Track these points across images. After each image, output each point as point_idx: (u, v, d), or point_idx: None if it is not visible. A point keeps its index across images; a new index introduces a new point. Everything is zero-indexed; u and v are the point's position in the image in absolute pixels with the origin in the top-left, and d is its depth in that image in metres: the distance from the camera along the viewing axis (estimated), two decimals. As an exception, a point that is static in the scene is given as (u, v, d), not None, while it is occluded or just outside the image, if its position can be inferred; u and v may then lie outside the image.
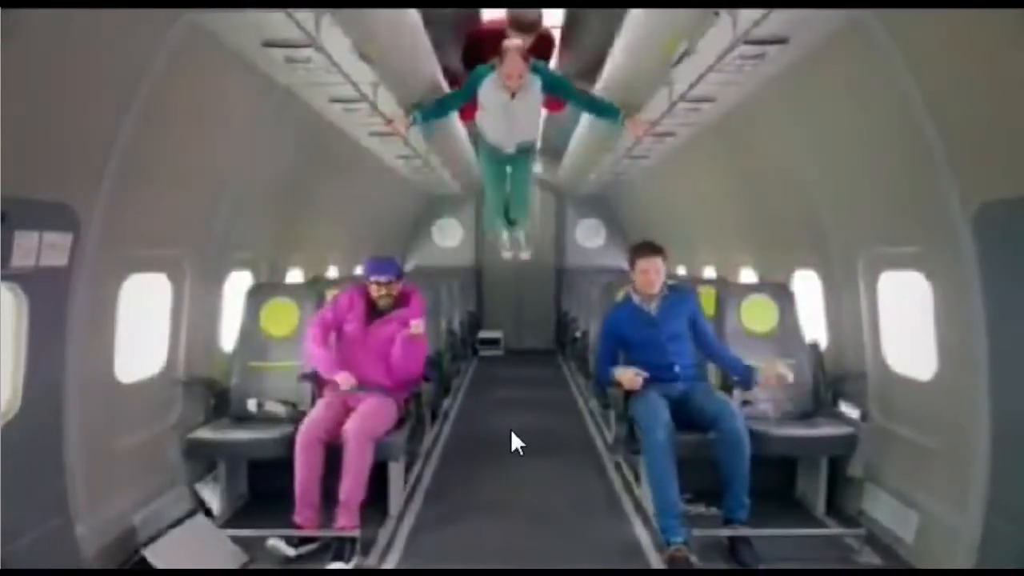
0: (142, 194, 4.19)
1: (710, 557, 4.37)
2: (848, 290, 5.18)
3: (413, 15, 4.33)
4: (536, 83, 5.12)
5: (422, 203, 13.61)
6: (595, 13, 5.61)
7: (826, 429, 5.05)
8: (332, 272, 9.35)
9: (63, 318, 3.71)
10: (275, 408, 5.18)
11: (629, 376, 4.71)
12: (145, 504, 4.41)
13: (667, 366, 4.80)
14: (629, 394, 4.81)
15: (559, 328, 13.62)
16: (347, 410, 4.77)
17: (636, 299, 5.00)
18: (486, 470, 6.19)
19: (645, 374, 4.69)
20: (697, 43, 4.18)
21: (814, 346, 5.52)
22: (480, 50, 5.48)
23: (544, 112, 5.56)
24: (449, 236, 14.38)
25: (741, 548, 4.39)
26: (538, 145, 6.04)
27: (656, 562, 4.38)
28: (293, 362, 5.40)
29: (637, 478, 5.51)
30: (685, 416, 4.68)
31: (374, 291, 4.98)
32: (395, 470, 5.13)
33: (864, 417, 4.94)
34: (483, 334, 13.64)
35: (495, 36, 5.27)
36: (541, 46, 5.49)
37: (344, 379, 4.81)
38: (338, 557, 4.33)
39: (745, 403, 5.03)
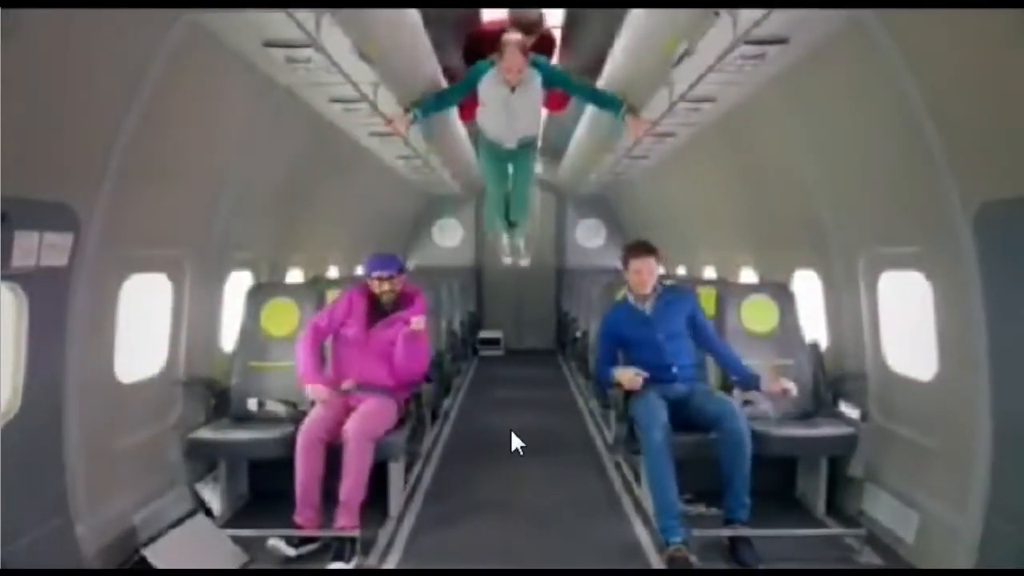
0: (142, 194, 4.19)
1: (710, 557, 4.37)
2: (848, 290, 5.17)
3: (413, 15, 4.33)
4: (536, 77, 5.11)
5: (422, 203, 13.62)
6: (595, 13, 5.61)
7: (826, 429, 5.04)
8: (332, 272, 9.35)
9: (63, 318, 3.71)
10: (276, 407, 5.18)
11: (629, 376, 4.71)
12: (145, 504, 4.41)
13: (665, 366, 4.80)
14: (629, 394, 4.81)
15: (559, 328, 13.63)
16: (348, 410, 4.77)
17: (631, 299, 5.00)
18: (486, 470, 6.19)
19: (645, 374, 4.69)
20: (697, 43, 4.18)
21: (814, 346, 5.52)
22: (481, 50, 5.48)
23: (545, 112, 5.55)
24: (449, 236, 14.38)
25: (741, 548, 4.39)
26: (539, 143, 6.02)
27: (656, 562, 4.38)
28: (293, 362, 5.39)
29: (637, 478, 5.51)
30: (685, 417, 4.68)
31: (376, 287, 4.97)
32: (395, 470, 5.13)
33: (864, 417, 4.94)
34: (483, 334, 13.65)
35: (496, 36, 5.27)
36: (542, 46, 5.49)
37: (313, 391, 4.76)
38: (338, 557, 4.33)
39: (746, 403, 5.02)
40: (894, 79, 3.76)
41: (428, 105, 5.29)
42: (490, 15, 5.99)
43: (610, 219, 14.27)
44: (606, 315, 5.23)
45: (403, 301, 5.05)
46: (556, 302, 14.05)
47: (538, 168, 13.62)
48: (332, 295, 5.59)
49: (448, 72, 5.62)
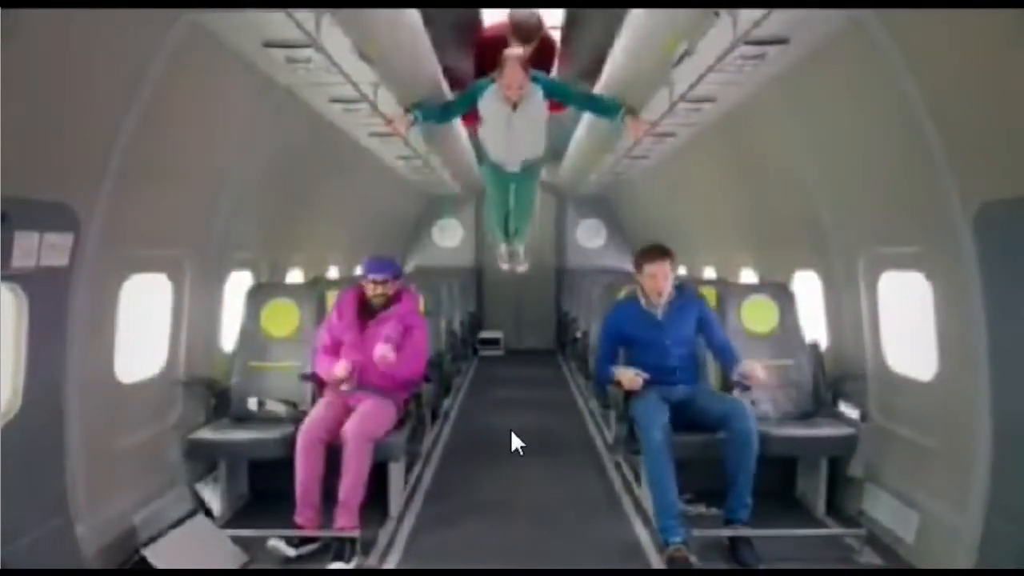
0: (142, 194, 4.19)
1: (710, 557, 4.37)
2: (848, 290, 5.17)
3: (413, 15, 4.33)
4: (537, 93, 5.08)
5: (423, 203, 13.61)
6: (595, 13, 5.61)
7: (826, 429, 5.05)
8: (332, 272, 9.35)
9: (63, 318, 3.71)
10: (276, 407, 5.18)
11: (629, 376, 4.71)
12: (145, 504, 4.42)
13: (668, 369, 4.79)
14: (629, 394, 4.81)
15: (559, 328, 13.62)
16: (347, 410, 4.77)
17: (642, 301, 4.93)
18: (486, 470, 6.19)
19: (645, 375, 4.69)
20: (697, 43, 4.18)
21: (814, 346, 5.52)
22: (488, 56, 5.44)
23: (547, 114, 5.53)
24: (449, 236, 14.38)
25: (741, 548, 4.39)
26: (544, 165, 5.97)
27: (656, 562, 4.38)
28: (293, 362, 5.40)
29: (637, 478, 5.51)
30: (691, 417, 4.67)
31: (370, 289, 4.97)
32: (395, 470, 5.13)
33: (864, 417, 4.94)
34: (483, 334, 13.65)
35: (501, 41, 5.26)
36: (542, 51, 5.48)
37: (340, 368, 4.77)
38: (338, 557, 4.33)
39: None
40: (894, 79, 3.76)
41: (429, 112, 5.26)
42: (490, 15, 6.00)
43: (610, 219, 14.27)
44: (610, 311, 5.20)
45: (394, 301, 5.05)
46: (556, 302, 14.05)
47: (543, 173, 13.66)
48: (332, 295, 5.59)
49: (448, 72, 5.61)
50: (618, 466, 6.15)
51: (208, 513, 4.84)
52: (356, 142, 7.26)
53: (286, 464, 4.59)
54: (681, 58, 4.37)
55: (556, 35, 6.19)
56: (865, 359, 5.01)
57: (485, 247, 14.11)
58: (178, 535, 4.17)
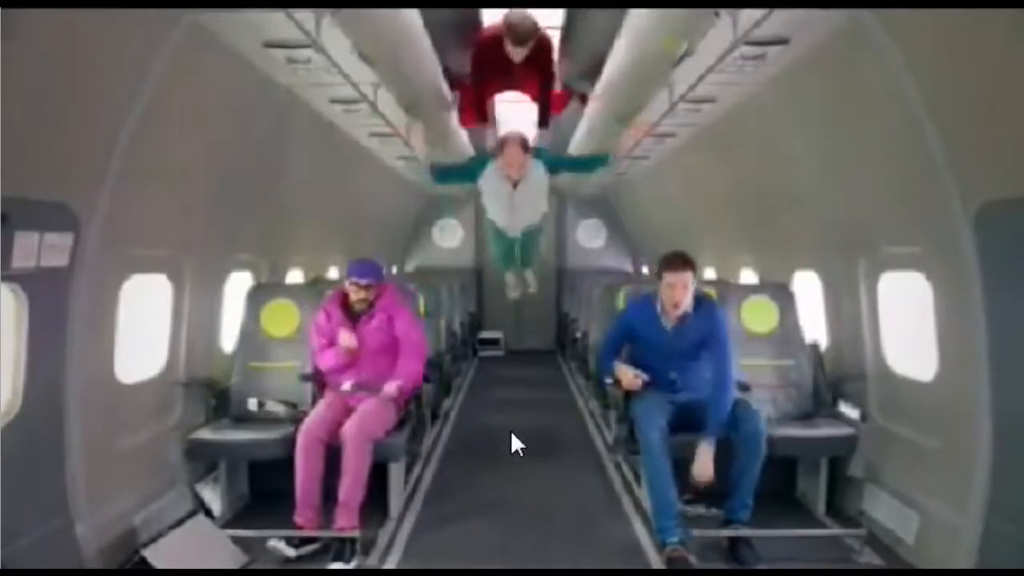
0: (142, 194, 4.19)
1: (710, 557, 4.37)
2: (848, 291, 5.17)
3: (413, 15, 4.33)
4: (539, 169, 5.20)
5: (422, 204, 13.61)
6: (595, 13, 5.60)
7: (826, 430, 5.05)
8: (332, 273, 9.35)
9: (63, 319, 3.71)
10: (275, 408, 5.18)
11: (629, 377, 4.70)
12: (146, 504, 4.41)
13: (669, 378, 4.73)
14: (629, 394, 4.80)
15: (559, 329, 13.63)
16: (348, 410, 4.77)
17: (659, 306, 4.74)
18: (486, 470, 6.19)
19: (645, 376, 4.68)
20: (697, 43, 4.19)
21: (814, 346, 5.52)
22: (485, 58, 5.44)
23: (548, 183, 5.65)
24: (449, 237, 14.38)
25: (741, 548, 4.39)
26: (546, 221, 6.09)
27: (656, 562, 4.38)
28: (293, 363, 5.40)
29: (637, 478, 5.51)
30: (701, 418, 4.56)
31: (352, 293, 4.94)
32: (395, 471, 5.13)
33: (864, 417, 4.94)
34: (483, 334, 13.65)
35: (497, 44, 5.26)
36: (539, 52, 5.46)
37: (347, 339, 4.81)
38: (338, 558, 4.33)
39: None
40: (894, 79, 3.76)
41: (439, 172, 5.57)
42: (490, 15, 5.99)
43: (610, 220, 14.27)
44: (629, 304, 5.11)
45: (375, 302, 5.01)
46: (556, 303, 14.05)
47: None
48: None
49: (448, 73, 5.62)
50: (618, 466, 6.14)
51: (208, 513, 4.84)
52: (356, 142, 7.26)
53: (286, 464, 4.59)
54: (681, 58, 4.38)
55: (556, 35, 6.19)
56: (865, 359, 5.01)
57: (485, 247, 14.10)
58: (178, 535, 4.16)
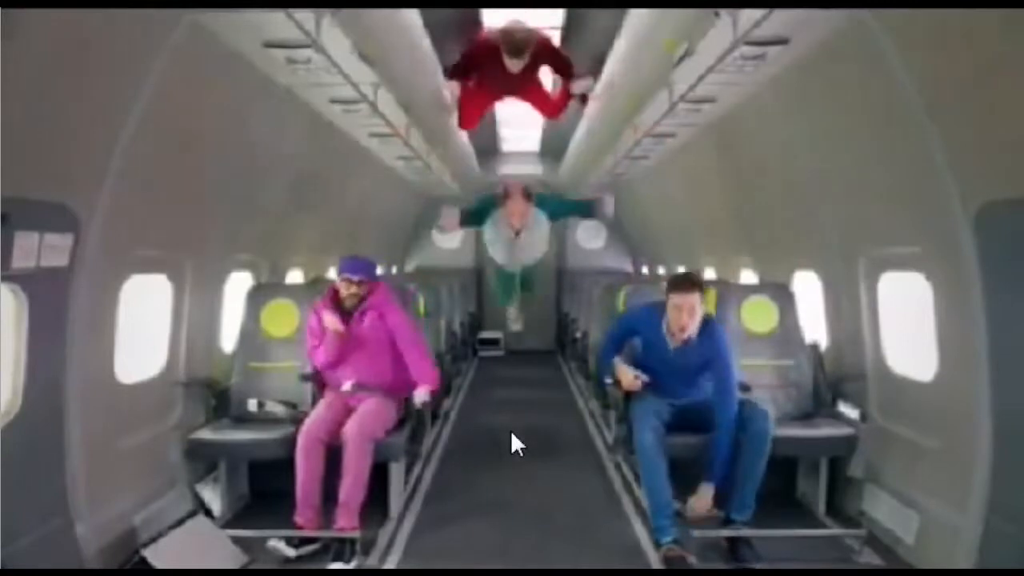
0: (142, 194, 4.19)
1: (710, 557, 4.37)
2: (848, 291, 5.17)
3: (413, 15, 4.33)
4: (541, 217, 5.33)
5: (422, 204, 13.61)
6: (595, 13, 5.62)
7: (826, 430, 5.05)
8: (332, 273, 9.34)
9: (63, 319, 3.71)
10: (275, 408, 5.18)
11: (629, 378, 4.69)
12: (146, 504, 4.41)
13: (670, 384, 4.71)
14: (629, 395, 4.80)
15: (559, 329, 13.63)
16: (348, 411, 4.77)
17: (664, 325, 4.62)
18: (486, 471, 6.19)
19: (645, 378, 4.67)
20: (697, 43, 4.19)
21: (814, 347, 5.52)
22: (475, 63, 5.43)
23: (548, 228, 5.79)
24: (449, 237, 14.35)
25: (741, 548, 4.39)
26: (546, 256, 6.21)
27: (656, 562, 4.38)
28: (293, 363, 5.39)
29: (637, 478, 5.50)
30: (707, 419, 4.55)
31: (343, 288, 4.91)
32: (396, 471, 5.13)
33: (864, 418, 4.94)
34: (483, 335, 13.64)
35: (489, 50, 5.24)
36: (541, 56, 5.44)
37: (331, 321, 4.79)
38: (338, 558, 4.33)
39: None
40: (894, 79, 3.76)
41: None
42: (489, 16, 5.99)
43: (610, 220, 14.25)
44: (635, 309, 5.09)
45: (366, 299, 4.98)
46: (556, 303, 14.04)
47: (538, 170, 13.74)
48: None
49: (448, 73, 5.61)
50: (618, 467, 6.15)
51: (208, 513, 4.84)
52: (356, 143, 7.26)
53: (286, 464, 4.59)
54: (681, 58, 4.38)
55: (556, 35, 6.18)
56: (865, 359, 5.01)
57: (484, 248, 14.09)
58: (178, 535, 4.17)
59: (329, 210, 8.51)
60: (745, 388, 4.84)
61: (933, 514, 4.15)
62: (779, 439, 4.75)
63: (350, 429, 4.60)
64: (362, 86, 5.08)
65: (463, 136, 7.78)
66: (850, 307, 5.16)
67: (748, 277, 7.58)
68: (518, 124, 10.29)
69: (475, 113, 5.82)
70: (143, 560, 3.90)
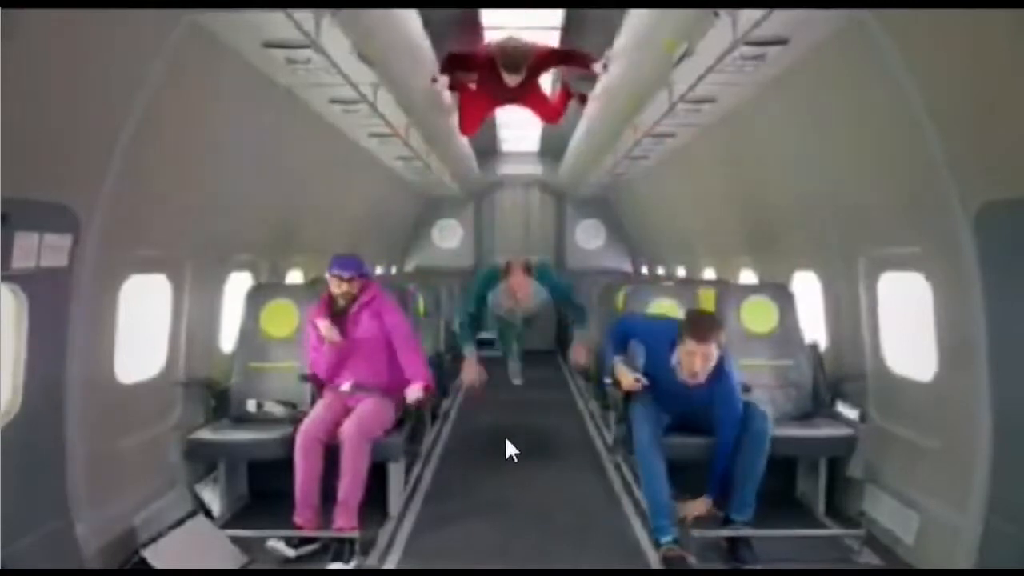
0: (142, 195, 4.19)
1: (709, 557, 4.37)
2: (848, 291, 5.17)
3: (413, 15, 4.34)
4: (541, 289, 5.72)
5: (422, 204, 13.61)
6: (595, 13, 5.62)
7: (826, 430, 5.05)
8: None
9: (63, 319, 3.71)
10: (273, 409, 5.18)
11: (629, 380, 4.68)
12: (145, 505, 4.41)
13: (667, 403, 4.66)
14: (628, 395, 4.80)
15: (559, 329, 13.62)
16: (346, 410, 4.77)
17: (674, 358, 4.43)
18: (486, 470, 6.18)
19: (645, 381, 4.66)
20: (697, 43, 4.19)
21: (814, 347, 5.52)
22: (459, 66, 5.42)
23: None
24: (449, 237, 14.38)
25: (741, 548, 4.39)
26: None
27: (656, 562, 4.38)
28: (293, 363, 5.39)
29: (637, 479, 5.50)
30: (708, 419, 4.55)
31: (335, 287, 4.91)
32: (395, 470, 5.13)
33: (863, 418, 4.94)
34: (483, 335, 13.60)
35: (480, 61, 5.23)
36: (539, 68, 5.42)
37: (327, 331, 4.80)
38: (338, 557, 4.33)
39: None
40: (894, 79, 3.76)
41: (465, 333, 6.05)
42: (489, 16, 5.99)
43: (610, 220, 14.27)
44: (647, 321, 5.03)
45: (359, 297, 4.98)
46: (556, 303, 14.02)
47: (538, 171, 13.72)
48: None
49: (442, 66, 5.60)
50: (618, 467, 6.14)
51: (208, 514, 4.83)
52: (356, 143, 7.26)
53: (285, 465, 4.59)
54: (681, 58, 4.38)
55: (555, 35, 6.18)
56: (865, 360, 5.01)
57: (484, 248, 14.13)
58: (178, 535, 4.16)
59: (329, 210, 8.51)
60: (745, 388, 4.83)
61: (933, 514, 4.15)
62: (778, 439, 4.75)
63: (348, 429, 4.60)
64: (362, 86, 5.08)
65: (462, 137, 7.78)
66: (849, 307, 5.17)
67: (747, 277, 7.58)
68: (517, 124, 10.30)
69: (476, 118, 5.84)
70: (143, 560, 3.90)
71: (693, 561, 4.25)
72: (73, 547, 3.75)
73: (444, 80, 5.45)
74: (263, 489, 5.32)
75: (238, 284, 5.94)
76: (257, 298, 5.68)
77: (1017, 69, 3.03)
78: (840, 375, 5.29)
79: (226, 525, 4.79)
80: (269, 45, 4.29)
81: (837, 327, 5.43)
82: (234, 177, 5.38)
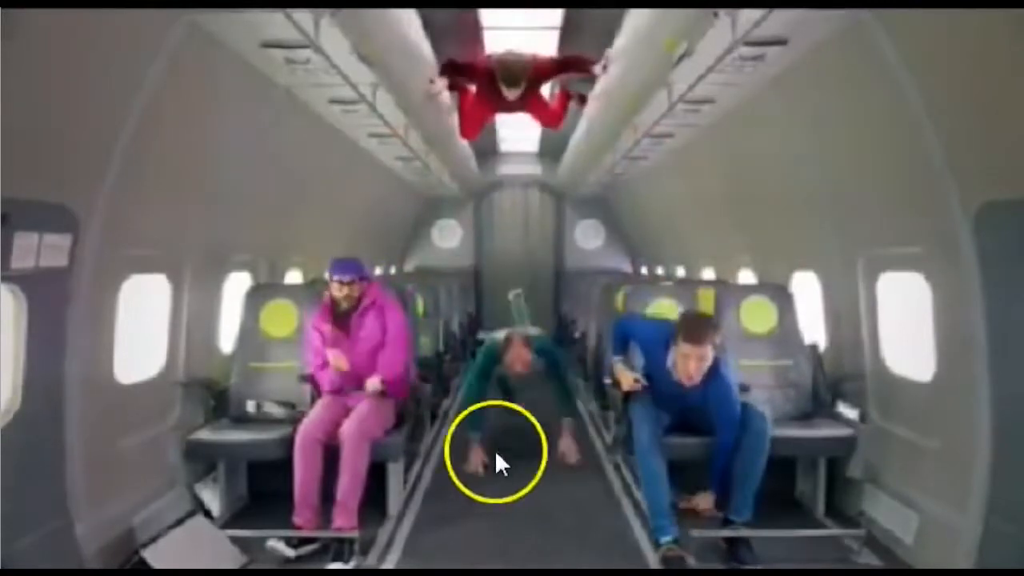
0: (142, 195, 4.19)
1: (709, 557, 4.37)
2: (847, 291, 5.17)
3: (412, 15, 4.33)
4: (540, 363, 5.87)
5: (421, 204, 13.61)
6: (595, 13, 5.62)
7: (825, 430, 5.04)
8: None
9: (63, 319, 3.71)
10: (272, 409, 5.17)
11: (629, 380, 4.68)
12: (145, 505, 4.41)
13: (666, 403, 4.67)
14: (628, 396, 4.80)
15: (558, 329, 13.62)
16: (346, 411, 4.77)
17: (670, 359, 4.49)
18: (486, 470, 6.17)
19: (644, 382, 4.66)
20: (696, 44, 4.19)
21: (813, 347, 5.51)
22: (456, 72, 5.42)
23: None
24: (448, 237, 14.38)
25: (740, 548, 4.39)
26: None
27: (655, 562, 4.37)
28: (292, 363, 5.39)
29: (636, 479, 5.50)
30: (707, 420, 4.56)
31: (336, 290, 4.93)
32: (394, 470, 5.12)
33: (863, 418, 4.94)
34: (482, 335, 13.62)
35: (476, 70, 5.23)
36: (539, 79, 5.42)
37: (336, 361, 4.82)
38: (337, 557, 4.33)
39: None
40: (894, 79, 3.77)
41: (474, 421, 6.12)
42: (488, 16, 5.99)
43: (609, 220, 14.27)
44: (643, 323, 5.02)
45: (362, 299, 5.00)
46: (555, 304, 14.03)
47: (537, 171, 13.71)
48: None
49: (441, 69, 5.59)
50: (617, 467, 6.14)
51: (207, 514, 4.83)
52: (355, 143, 7.26)
53: (285, 465, 4.59)
54: (680, 58, 4.38)
55: (555, 35, 6.17)
56: (864, 360, 5.01)
57: (484, 248, 14.12)
58: (177, 536, 4.16)
59: (328, 210, 8.50)
60: (744, 388, 4.83)
61: (932, 514, 4.16)
62: (778, 439, 4.75)
63: (347, 429, 4.60)
64: (361, 87, 5.08)
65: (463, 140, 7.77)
66: (849, 307, 5.17)
67: (747, 277, 7.58)
68: (517, 125, 10.30)
69: (476, 123, 5.83)
70: (142, 560, 3.90)
71: (692, 561, 4.25)
72: (73, 547, 3.75)
73: (442, 83, 5.44)
74: (262, 489, 5.32)
75: (237, 284, 5.94)
76: (256, 298, 5.68)
77: (1017, 69, 3.03)
78: (840, 375, 5.29)
79: (225, 525, 4.78)
80: (268, 45, 4.30)
81: (837, 327, 5.43)
82: (233, 177, 5.38)
